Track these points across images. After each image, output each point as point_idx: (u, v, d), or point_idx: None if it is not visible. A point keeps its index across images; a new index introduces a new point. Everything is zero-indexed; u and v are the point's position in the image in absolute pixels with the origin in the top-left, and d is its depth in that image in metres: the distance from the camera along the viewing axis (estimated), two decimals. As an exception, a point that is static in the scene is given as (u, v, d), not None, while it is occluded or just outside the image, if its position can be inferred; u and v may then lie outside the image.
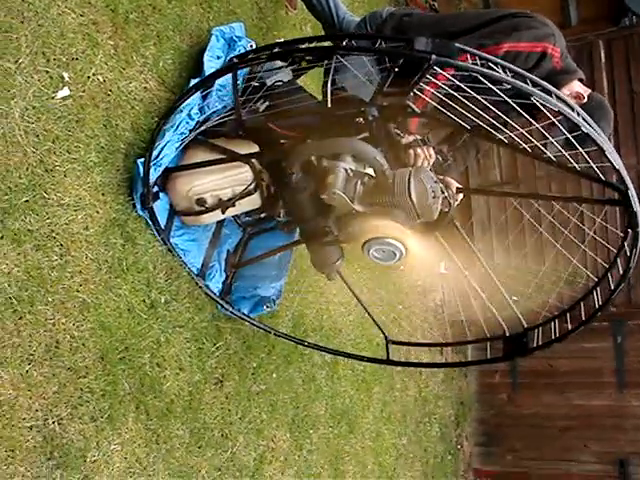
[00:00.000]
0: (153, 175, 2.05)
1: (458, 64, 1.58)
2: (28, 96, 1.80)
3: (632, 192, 1.62)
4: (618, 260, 1.93)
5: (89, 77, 2.01)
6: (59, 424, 1.80)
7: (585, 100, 2.28)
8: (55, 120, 1.88)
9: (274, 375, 2.79)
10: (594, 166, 1.66)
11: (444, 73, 1.72)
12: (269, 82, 2.19)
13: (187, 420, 2.26)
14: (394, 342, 2.59)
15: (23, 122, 1.78)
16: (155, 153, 2.04)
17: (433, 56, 1.51)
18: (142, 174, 2.05)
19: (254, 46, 2.49)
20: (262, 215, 2.71)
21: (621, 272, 1.89)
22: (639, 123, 4.58)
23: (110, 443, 1.95)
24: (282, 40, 2.92)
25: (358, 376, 3.53)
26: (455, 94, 1.72)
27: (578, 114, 1.61)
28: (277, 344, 2.84)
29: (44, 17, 1.87)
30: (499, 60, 1.61)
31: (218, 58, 2.34)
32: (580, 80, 2.32)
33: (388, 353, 2.54)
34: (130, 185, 2.12)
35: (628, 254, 1.81)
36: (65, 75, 1.92)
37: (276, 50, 1.89)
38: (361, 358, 2.64)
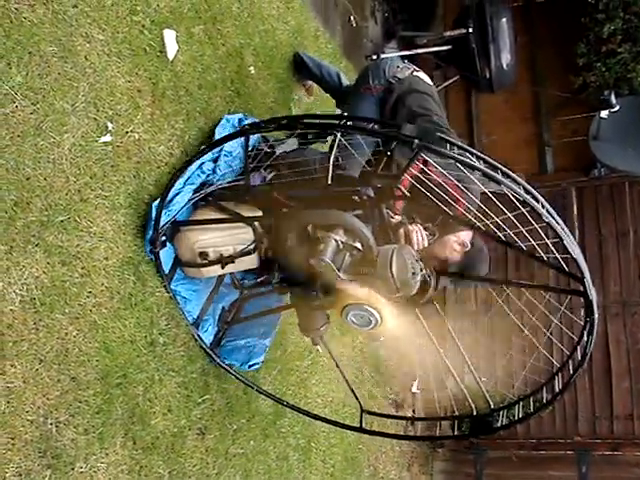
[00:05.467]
0: (164, 219, 2.30)
1: (439, 150, 1.79)
2: (78, 134, 2.10)
3: (588, 280, 1.84)
4: (578, 348, 2.13)
5: (127, 132, 2.32)
6: (56, 426, 1.91)
7: (469, 247, 2.52)
8: (95, 160, 2.17)
9: (252, 443, 2.87)
10: (558, 256, 1.91)
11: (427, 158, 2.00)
12: (278, 151, 2.50)
13: (169, 460, 2.34)
14: (368, 412, 2.71)
15: (70, 154, 2.06)
16: (168, 198, 2.31)
17: (416, 141, 1.75)
18: (154, 219, 2.30)
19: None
20: (258, 279, 2.93)
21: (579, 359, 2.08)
22: (606, 263, 5.00)
23: (97, 460, 2.03)
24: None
25: (328, 469, 3.56)
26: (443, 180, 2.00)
27: (543, 206, 1.80)
28: (257, 414, 2.94)
29: (100, 75, 2.21)
30: (474, 150, 1.84)
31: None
32: None
33: (361, 422, 2.64)
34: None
35: (585, 340, 2.03)
36: (109, 125, 2.23)
37: (284, 122, 2.21)
38: (335, 423, 2.75)
